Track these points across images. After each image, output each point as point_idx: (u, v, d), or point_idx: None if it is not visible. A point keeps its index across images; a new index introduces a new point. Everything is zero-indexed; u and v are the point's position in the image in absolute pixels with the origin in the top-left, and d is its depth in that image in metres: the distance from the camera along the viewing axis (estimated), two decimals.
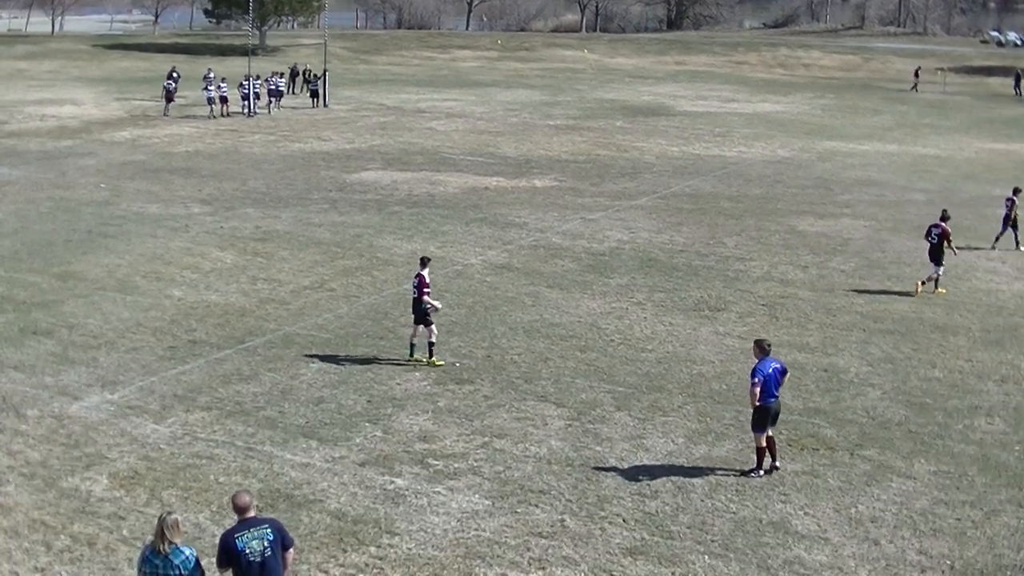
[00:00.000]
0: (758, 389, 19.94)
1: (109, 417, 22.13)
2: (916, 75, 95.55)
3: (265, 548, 13.57)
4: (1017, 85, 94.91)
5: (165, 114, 67.05)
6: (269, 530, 13.71)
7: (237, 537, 13.60)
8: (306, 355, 25.94)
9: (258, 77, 70.06)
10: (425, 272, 25.64)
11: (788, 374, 20.80)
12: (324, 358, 25.75)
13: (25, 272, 32.11)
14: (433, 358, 25.40)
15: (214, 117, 65.68)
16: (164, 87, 69.63)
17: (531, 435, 21.77)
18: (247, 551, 13.52)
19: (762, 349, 20.44)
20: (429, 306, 25.33)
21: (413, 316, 25.79)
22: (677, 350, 27.03)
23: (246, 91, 68.33)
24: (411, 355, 25.68)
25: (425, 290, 25.34)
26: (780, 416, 20.61)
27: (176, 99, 71.73)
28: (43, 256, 33.77)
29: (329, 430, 21.73)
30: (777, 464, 20.31)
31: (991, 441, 22.19)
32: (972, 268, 35.36)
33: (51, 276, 31.78)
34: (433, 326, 25.47)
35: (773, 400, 20.04)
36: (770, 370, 20.04)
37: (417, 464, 20.34)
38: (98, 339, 26.68)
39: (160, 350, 26.08)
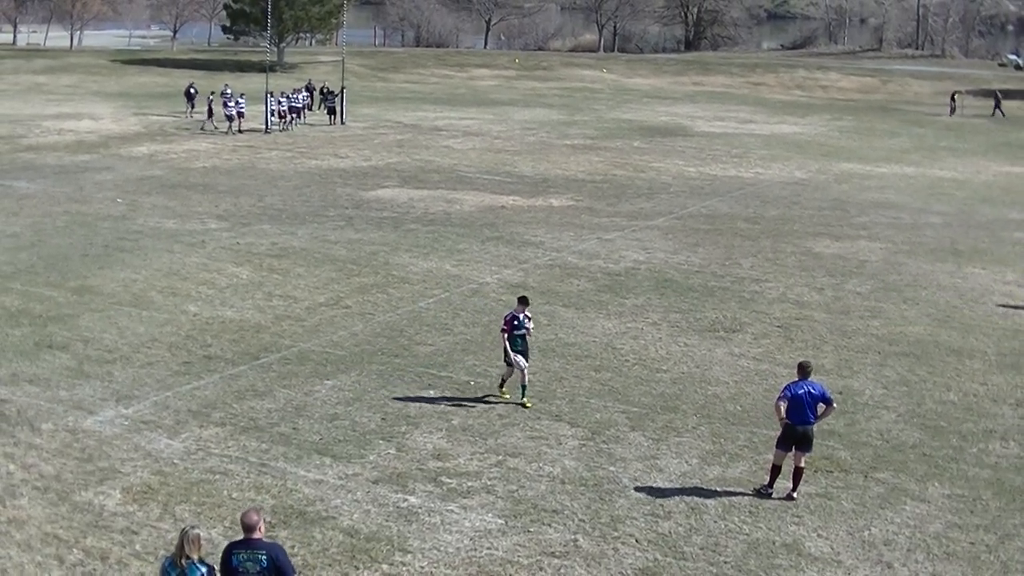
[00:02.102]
0: (782, 404, 19.99)
1: (123, 432, 22.18)
2: (953, 99, 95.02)
3: (258, 573, 13.49)
4: (998, 106, 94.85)
5: (210, 128, 66.99)
6: (264, 556, 13.48)
7: (234, 553, 13.56)
8: (321, 372, 25.98)
9: (283, 94, 70.19)
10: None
11: (833, 405, 20.55)
12: (339, 375, 25.78)
13: (41, 286, 32.19)
14: (525, 398, 24.47)
15: (232, 133, 65.79)
16: (208, 101, 69.33)
17: (545, 454, 21.77)
18: (241, 570, 13.47)
19: (800, 370, 20.43)
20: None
21: (512, 355, 24.32)
22: (692, 371, 27.02)
23: (283, 106, 68.61)
24: (501, 386, 24.90)
25: (529, 325, 24.61)
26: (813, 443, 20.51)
27: (193, 115, 72.06)
28: (59, 270, 33.86)
29: (343, 447, 21.75)
30: (795, 495, 20.21)
31: (1006, 465, 22.15)
32: (988, 291, 35.30)
33: (67, 290, 31.86)
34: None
35: (801, 423, 19.95)
36: (801, 391, 19.98)
37: (430, 482, 20.35)
38: (113, 354, 26.74)
39: (175, 365, 26.13)
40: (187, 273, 34.13)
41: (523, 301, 24.85)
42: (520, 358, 24.30)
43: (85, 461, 20.75)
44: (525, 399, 24.38)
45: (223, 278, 33.76)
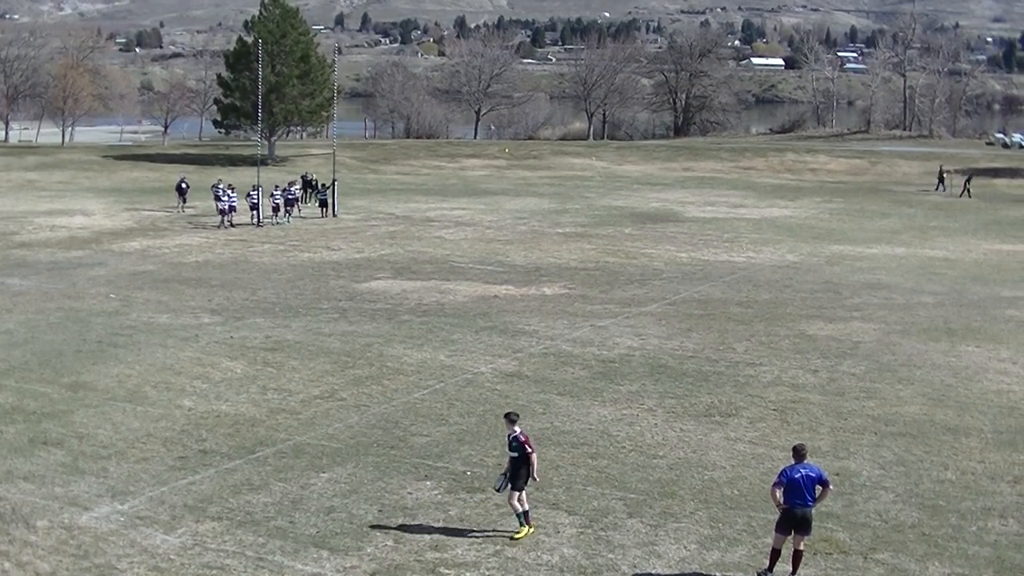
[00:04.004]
0: (777, 490, 19.98)
1: (119, 528, 22.07)
2: (968, 183, 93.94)
3: None
4: (941, 182, 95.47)
5: (227, 226, 66.82)
6: None
7: None
8: (316, 465, 25.89)
9: (277, 187, 70.41)
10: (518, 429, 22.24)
11: (830, 487, 20.65)
12: (335, 467, 25.69)
13: (35, 383, 32.15)
14: (526, 527, 22.17)
15: (224, 227, 65.91)
16: (214, 193, 69.38)
17: (543, 543, 21.67)
18: None
19: (796, 454, 20.51)
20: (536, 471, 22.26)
21: (513, 480, 22.02)
22: (688, 456, 26.95)
23: (276, 200, 68.82)
24: (525, 524, 22.13)
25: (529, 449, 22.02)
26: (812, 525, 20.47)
27: (186, 210, 72.35)
28: (53, 366, 33.83)
29: (340, 540, 21.65)
30: None
31: (1005, 543, 22.07)
32: (983, 369, 35.32)
33: (61, 386, 31.82)
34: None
35: (800, 506, 19.96)
36: (798, 475, 20.03)
37: (429, 573, 20.23)
38: (108, 449, 26.66)
39: (170, 460, 26.05)
40: (181, 368, 34.10)
41: (508, 418, 22.62)
42: (500, 480, 22.32)
43: (81, 558, 20.63)
44: (521, 530, 22.13)
45: (217, 372, 33.73)
